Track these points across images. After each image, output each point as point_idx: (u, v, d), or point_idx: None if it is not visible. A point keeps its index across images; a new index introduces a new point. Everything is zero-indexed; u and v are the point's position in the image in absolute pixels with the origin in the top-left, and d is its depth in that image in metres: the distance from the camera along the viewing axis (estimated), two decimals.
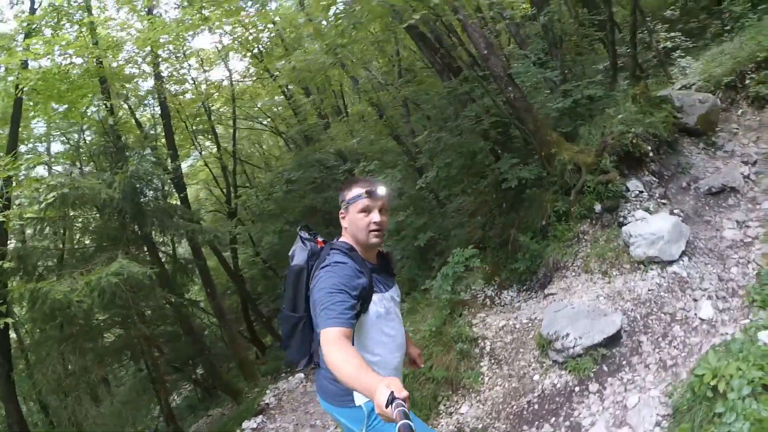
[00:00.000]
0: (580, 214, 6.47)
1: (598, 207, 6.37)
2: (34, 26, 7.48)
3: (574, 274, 6.08)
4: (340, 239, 2.25)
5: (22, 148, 9.25)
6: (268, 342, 12.77)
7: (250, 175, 14.14)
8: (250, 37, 9.58)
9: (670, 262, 5.43)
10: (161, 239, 9.24)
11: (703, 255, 5.47)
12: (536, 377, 4.80)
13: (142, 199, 8.19)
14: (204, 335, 10.54)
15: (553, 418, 4.28)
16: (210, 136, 12.03)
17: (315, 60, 7.72)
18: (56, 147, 10.92)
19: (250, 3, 7.54)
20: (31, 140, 9.99)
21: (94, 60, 7.80)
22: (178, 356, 10.13)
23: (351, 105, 11.99)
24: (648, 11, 9.37)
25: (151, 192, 8.66)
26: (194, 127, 11.20)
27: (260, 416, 7.70)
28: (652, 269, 5.47)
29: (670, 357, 4.40)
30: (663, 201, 6.27)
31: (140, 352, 8.76)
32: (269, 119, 12.73)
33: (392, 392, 1.37)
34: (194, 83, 10.66)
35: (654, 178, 6.50)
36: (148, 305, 8.49)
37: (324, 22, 8.14)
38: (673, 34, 8.13)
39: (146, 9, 8.78)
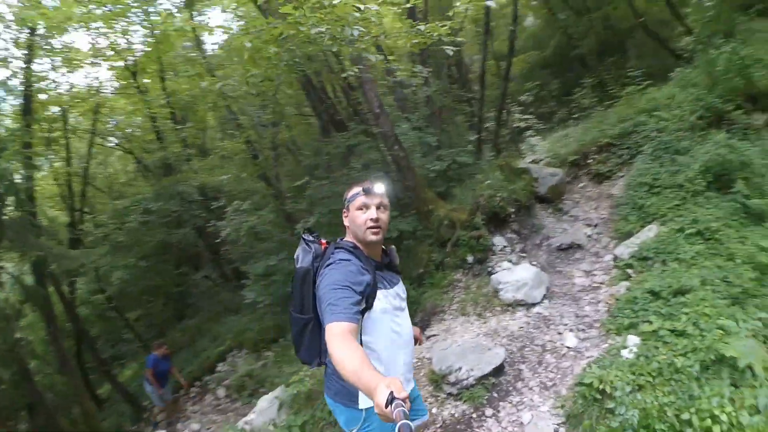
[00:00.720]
0: (454, 264, 6.97)
1: (470, 258, 6.96)
2: None
3: (451, 317, 6.39)
4: (344, 239, 2.26)
5: None
6: (104, 394, 10.53)
7: (92, 197, 12.21)
8: (124, 46, 8.80)
9: (534, 304, 6.10)
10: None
11: (561, 298, 6.21)
12: (434, 410, 4.80)
13: None
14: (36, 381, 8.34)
15: None
16: (60, 147, 10.20)
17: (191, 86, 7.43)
18: None
19: (136, 4, 7.06)
20: None
21: None
22: (4, 405, 7.85)
23: (212, 140, 11.54)
24: (507, 95, 11.14)
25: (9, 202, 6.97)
26: (47, 134, 9.49)
27: None
28: (519, 310, 6.06)
29: (548, 379, 4.77)
30: (523, 254, 7.10)
31: None
32: (124, 139, 11.38)
33: (392, 392, 1.37)
34: (56, 83, 9.17)
35: (515, 236, 7.37)
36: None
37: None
38: (526, 116, 9.72)
39: None
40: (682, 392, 3.50)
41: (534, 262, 6.89)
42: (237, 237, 7.83)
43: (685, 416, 3.09)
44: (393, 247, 2.45)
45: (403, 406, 1.34)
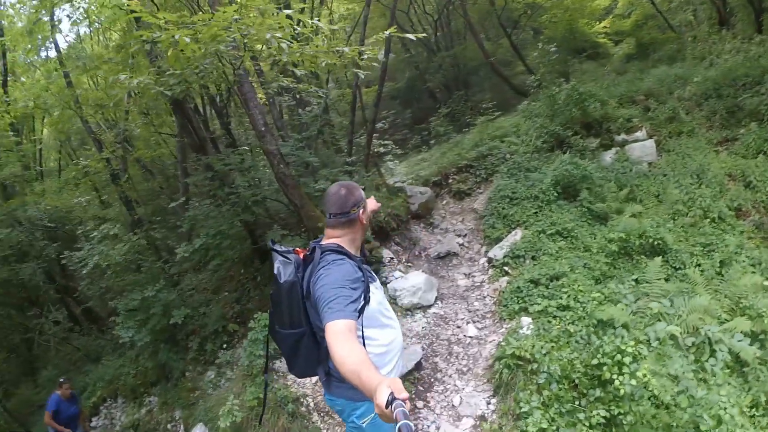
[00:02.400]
0: None
1: None
2: None
3: None
4: (324, 242, 2.28)
5: None
6: None
7: None
8: None
9: (430, 306, 6.86)
10: None
11: (451, 298, 7.08)
12: None
13: None
14: None
15: None
16: None
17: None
18: None
19: None
20: None
21: None
22: None
23: (47, 158, 9.91)
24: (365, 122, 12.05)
25: None
26: None
27: None
28: (417, 313, 6.75)
29: (462, 365, 5.50)
30: (409, 264, 7.88)
31: None
32: None
33: (392, 392, 1.41)
34: None
35: (399, 248, 8.13)
36: None
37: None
38: (386, 141, 10.65)
39: None
40: (582, 349, 4.50)
41: (419, 271, 7.69)
42: (101, 269, 6.98)
43: (594, 362, 4.00)
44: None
45: (403, 407, 1.36)
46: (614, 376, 3.68)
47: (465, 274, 7.63)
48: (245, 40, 4.76)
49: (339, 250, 2.18)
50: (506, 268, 6.81)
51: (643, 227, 5.56)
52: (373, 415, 1.95)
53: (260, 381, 5.36)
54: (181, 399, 6.55)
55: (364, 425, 2.24)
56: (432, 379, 5.43)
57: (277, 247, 2.27)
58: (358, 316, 1.98)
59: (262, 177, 7.68)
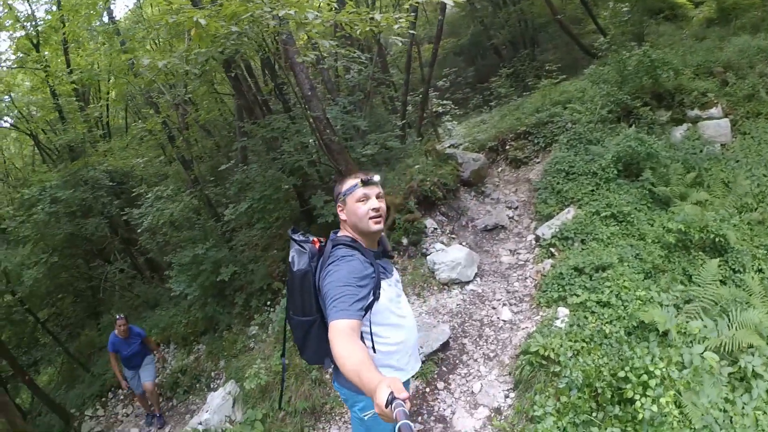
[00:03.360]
0: (391, 248, 7.27)
1: (405, 241, 7.29)
2: None
3: None
4: (339, 234, 2.25)
5: None
6: (24, 404, 9.28)
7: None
8: (24, 14, 7.56)
9: (468, 282, 6.61)
10: None
11: (491, 275, 6.80)
12: None
13: None
14: None
15: (419, 417, 4.59)
16: None
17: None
18: None
19: None
20: None
21: None
22: None
23: (114, 120, 10.48)
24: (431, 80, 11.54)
25: None
26: None
27: None
28: (455, 289, 6.54)
29: (490, 351, 5.28)
30: (452, 236, 7.59)
31: None
32: (22, 118, 9.86)
33: (392, 392, 1.39)
34: None
35: (444, 218, 7.84)
36: None
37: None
38: (444, 101, 10.17)
39: None
40: (614, 354, 4.13)
41: (463, 243, 7.40)
42: (157, 225, 7.38)
43: (621, 374, 3.65)
44: (383, 234, 2.48)
45: (403, 406, 1.35)
46: (637, 397, 3.34)
47: (510, 250, 7.27)
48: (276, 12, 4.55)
49: (350, 244, 2.16)
50: (552, 250, 6.38)
51: (705, 220, 4.89)
52: (373, 411, 2.03)
53: (288, 346, 5.50)
54: (225, 350, 6.93)
55: (366, 418, 2.24)
56: (457, 361, 5.29)
57: (295, 236, 2.27)
58: (364, 314, 1.98)
59: (309, 141, 7.59)
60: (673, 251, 5.06)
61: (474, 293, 6.46)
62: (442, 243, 7.30)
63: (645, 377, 3.40)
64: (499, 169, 9.13)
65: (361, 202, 2.19)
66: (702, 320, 3.70)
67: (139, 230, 7.67)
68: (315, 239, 2.28)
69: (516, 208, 8.03)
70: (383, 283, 2.18)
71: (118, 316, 6.51)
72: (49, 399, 7.86)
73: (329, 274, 2.03)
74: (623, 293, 4.73)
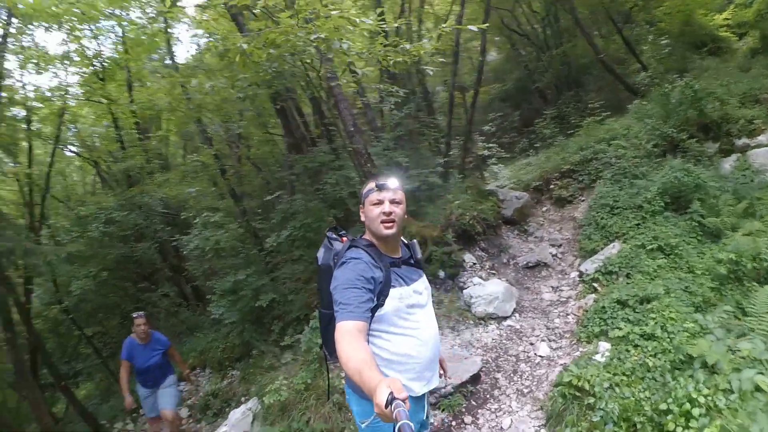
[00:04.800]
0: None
1: (441, 273, 7.09)
2: None
3: None
4: (362, 236, 2.29)
5: None
6: (59, 413, 9.56)
7: (46, 206, 11.39)
8: (92, 51, 8.44)
9: (505, 318, 6.28)
10: None
11: (530, 311, 6.43)
12: None
13: None
14: None
15: None
16: (21, 151, 9.49)
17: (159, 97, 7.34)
18: None
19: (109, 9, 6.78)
20: None
21: None
22: None
23: (172, 153, 11.14)
24: (472, 122, 11.59)
25: None
26: (5, 135, 8.86)
27: None
28: (491, 323, 6.22)
29: (524, 386, 4.90)
30: (492, 271, 7.31)
31: None
32: (85, 148, 10.85)
33: (392, 392, 1.37)
34: (21, 83, 8.62)
35: (484, 254, 7.60)
36: None
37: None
38: (490, 144, 10.13)
39: None
40: (656, 388, 3.71)
41: (503, 279, 7.11)
42: (203, 252, 7.61)
43: (662, 406, 3.25)
44: (415, 241, 2.47)
45: (402, 406, 1.33)
46: (679, 429, 2.94)
47: (552, 287, 6.89)
48: (314, 43, 4.78)
49: (363, 247, 2.16)
50: (595, 285, 5.99)
51: (758, 248, 4.43)
52: (371, 418, 1.96)
53: (313, 368, 5.35)
54: (257, 376, 6.86)
55: (362, 426, 2.20)
56: (487, 396, 4.93)
57: (330, 234, 2.33)
58: (369, 317, 1.95)
59: (352, 175, 7.73)
60: (725, 283, 4.59)
61: (511, 329, 6.11)
62: (481, 277, 7.05)
63: (688, 406, 3.01)
64: (544, 209, 8.84)
65: (375, 206, 2.19)
66: (752, 343, 3.26)
67: (184, 253, 7.92)
68: (344, 238, 2.30)
69: (560, 245, 7.68)
70: (392, 292, 2.13)
71: (136, 314, 5.41)
72: (82, 408, 7.98)
73: (337, 277, 2.05)
74: (669, 325, 4.31)
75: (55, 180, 11.57)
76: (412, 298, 2.22)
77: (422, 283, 2.33)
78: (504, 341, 5.87)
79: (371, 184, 2.23)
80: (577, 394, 3.87)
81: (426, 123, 10.61)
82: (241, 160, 9.45)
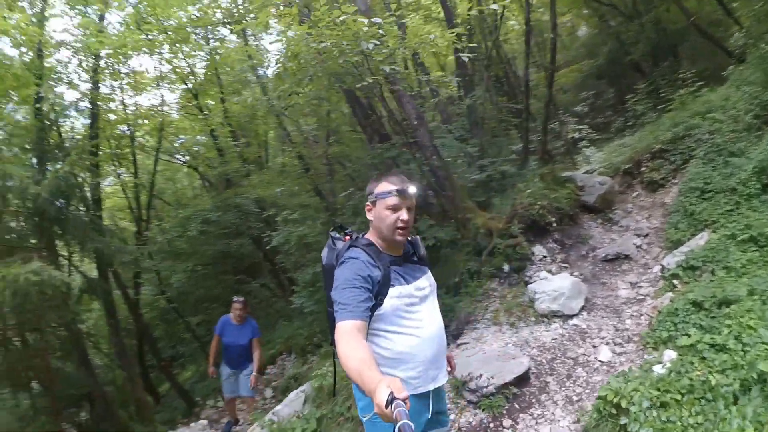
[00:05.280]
0: (489, 273, 6.58)
1: (506, 267, 6.53)
2: None
3: (484, 326, 6.01)
4: (364, 235, 2.20)
5: None
6: (163, 391, 11.04)
7: (160, 210, 12.95)
8: (186, 70, 9.30)
9: (571, 316, 5.58)
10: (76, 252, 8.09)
11: (601, 310, 5.64)
12: (452, 416, 4.48)
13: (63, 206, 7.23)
14: (97, 373, 8.91)
15: None
16: (128, 163, 11.04)
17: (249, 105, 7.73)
18: None
19: (197, 32, 7.38)
20: None
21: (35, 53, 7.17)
22: (69, 394, 8.37)
23: (273, 156, 11.75)
24: (561, 106, 10.49)
25: (74, 201, 7.70)
26: (115, 150, 10.33)
27: None
28: (555, 321, 5.57)
29: (575, 394, 4.30)
30: (564, 265, 6.55)
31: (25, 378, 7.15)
32: (190, 156, 12.24)
33: (392, 392, 1.33)
34: (123, 104, 9.98)
35: (556, 246, 6.83)
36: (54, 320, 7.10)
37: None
38: (580, 126, 9.08)
39: (98, 15, 8.34)
40: (713, 413, 2.98)
41: (576, 273, 6.34)
42: (287, 246, 7.93)
43: None
44: (418, 237, 2.34)
45: (403, 406, 1.29)
46: None
47: (631, 283, 5.98)
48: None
49: (362, 246, 2.08)
50: (675, 282, 5.05)
51: None
52: (372, 414, 1.95)
53: None
54: (326, 361, 6.99)
55: (364, 420, 2.12)
56: (533, 400, 4.42)
57: (332, 233, 2.28)
58: (369, 316, 1.91)
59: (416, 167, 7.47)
60: None
61: (576, 328, 5.42)
62: (550, 272, 6.36)
63: None
64: (634, 194, 7.70)
65: (391, 211, 2.07)
66: None
67: (267, 248, 8.33)
68: (347, 237, 2.22)
69: (646, 235, 6.64)
70: (392, 290, 2.04)
71: (235, 298, 5.67)
72: (180, 387, 8.85)
73: (336, 277, 1.99)
74: (746, 335, 3.44)
75: (165, 186, 13.02)
76: (414, 297, 2.11)
77: (426, 281, 2.21)
78: (564, 342, 5.23)
79: (389, 186, 2.09)
80: (614, 411, 3.27)
81: (508, 108, 9.88)
82: (328, 157, 9.70)
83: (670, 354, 3.97)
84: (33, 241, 7.27)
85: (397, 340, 2.07)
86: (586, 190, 7.62)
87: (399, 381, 1.39)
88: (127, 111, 9.89)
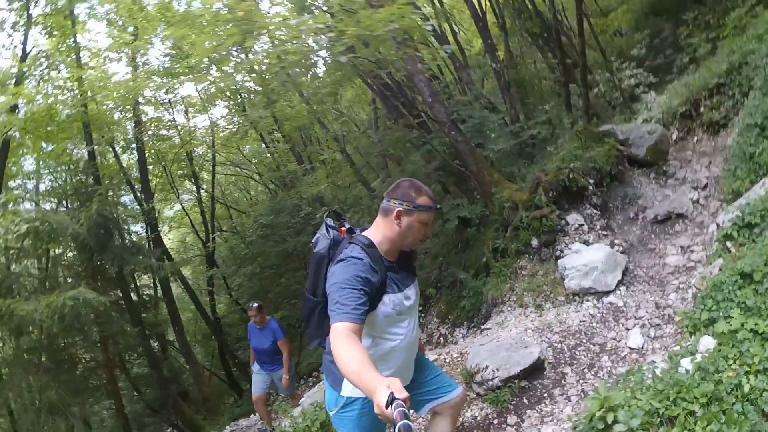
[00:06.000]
0: (517, 250, 5.71)
1: (535, 242, 5.58)
2: (24, 72, 7.60)
3: (509, 308, 5.24)
4: (364, 231, 2.04)
5: (12, 184, 9.14)
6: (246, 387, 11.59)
7: (236, 220, 13.44)
8: (233, 87, 9.31)
9: (606, 293, 4.61)
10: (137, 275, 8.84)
11: (643, 283, 4.59)
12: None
13: (109, 236, 7.87)
14: (176, 375, 9.64)
15: None
16: (192, 181, 11.57)
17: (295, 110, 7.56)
18: (46, 185, 10.49)
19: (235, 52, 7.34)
20: (21, 176, 9.82)
21: (81, 106, 7.72)
22: (155, 397, 9.15)
23: (325, 153, 11.58)
24: (615, 51, 8.89)
25: (117, 230, 8.34)
26: (178, 172, 10.85)
27: None
28: (587, 300, 4.65)
29: (592, 388, 3.46)
30: (605, 233, 5.44)
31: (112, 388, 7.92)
32: (253, 165, 12.40)
33: (392, 392, 1.27)
34: (178, 129, 10.41)
35: (596, 211, 5.70)
36: (110, 332, 7.85)
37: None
38: (635, 71, 7.58)
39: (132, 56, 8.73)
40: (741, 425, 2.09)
41: (618, 241, 5.23)
42: None
43: None
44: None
45: (403, 407, 1.24)
46: None
47: (681, 247, 4.82)
48: None
49: (366, 247, 1.92)
50: (729, 244, 3.87)
51: None
52: (337, 409, 2.07)
53: None
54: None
55: (331, 414, 2.14)
56: (545, 394, 3.64)
57: (328, 220, 2.11)
58: (364, 319, 1.78)
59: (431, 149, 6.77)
60: None
61: (611, 307, 4.46)
62: (585, 242, 5.31)
63: None
64: (695, 139, 6.23)
65: (424, 225, 1.98)
66: None
67: (310, 245, 8.12)
68: (344, 229, 2.05)
69: (704, 187, 5.33)
70: (385, 297, 1.93)
71: (250, 305, 5.48)
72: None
73: (335, 274, 1.84)
74: None
75: (239, 195, 13.42)
76: (404, 304, 2.02)
77: (413, 289, 2.11)
78: (594, 324, 4.31)
79: (430, 203, 1.98)
80: (599, 425, 2.47)
81: (549, 65, 8.62)
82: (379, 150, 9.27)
83: (707, 342, 2.98)
84: (79, 270, 7.92)
85: (379, 344, 2.00)
86: (633, 143, 6.31)
87: (399, 381, 1.32)
88: (184, 135, 10.27)
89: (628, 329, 4.00)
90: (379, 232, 1.98)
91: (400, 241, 1.97)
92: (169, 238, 14.11)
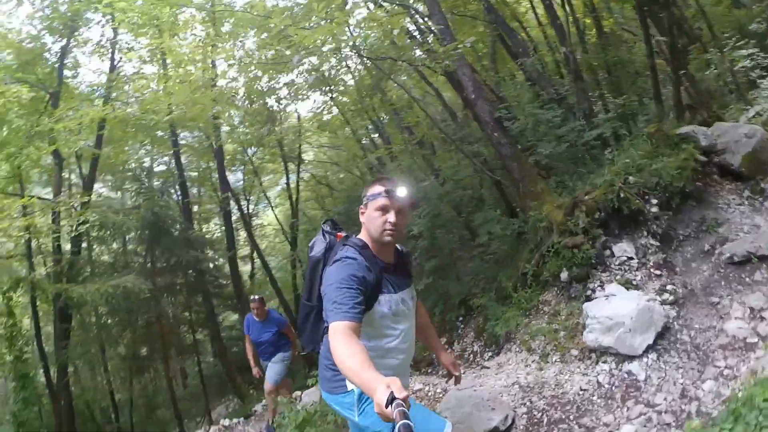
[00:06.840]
0: (544, 281, 4.59)
1: (564, 275, 4.39)
2: (113, 83, 8.49)
3: (516, 350, 4.31)
4: (357, 235, 1.99)
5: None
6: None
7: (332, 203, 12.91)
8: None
9: (630, 357, 3.44)
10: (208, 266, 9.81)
11: (683, 353, 3.28)
12: None
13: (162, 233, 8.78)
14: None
15: None
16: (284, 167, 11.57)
17: None
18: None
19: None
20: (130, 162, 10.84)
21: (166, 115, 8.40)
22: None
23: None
24: (730, 28, 6.50)
25: (170, 224, 9.16)
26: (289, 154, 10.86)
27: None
28: (603, 362, 3.53)
29: None
30: (658, 272, 4.03)
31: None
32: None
33: (392, 392, 1.21)
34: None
35: (653, 241, 4.25)
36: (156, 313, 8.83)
37: None
38: (751, 50, 5.38)
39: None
40: None
41: (670, 287, 3.81)
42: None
43: None
44: (408, 251, 2.18)
45: (403, 406, 1.17)
46: None
47: (752, 309, 3.33)
48: None
49: (358, 248, 1.87)
50: None
51: None
52: (357, 406, 1.91)
53: None
54: None
55: (357, 419, 1.96)
56: None
57: (324, 226, 2.11)
58: (362, 318, 1.72)
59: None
60: None
61: (627, 379, 3.32)
62: (628, 283, 3.99)
63: None
64: None
65: (380, 213, 1.84)
66: None
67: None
68: (340, 234, 2.02)
69: None
70: (381, 297, 1.85)
71: (252, 297, 5.24)
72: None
73: (330, 274, 1.79)
74: None
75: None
76: (400, 306, 1.92)
77: (409, 293, 2.01)
78: (595, 398, 3.24)
79: (378, 188, 1.86)
80: None
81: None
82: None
83: None
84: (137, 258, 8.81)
85: (376, 345, 1.86)
86: (727, 148, 4.54)
87: (398, 381, 1.25)
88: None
89: (630, 418, 2.85)
90: (363, 233, 1.91)
91: (373, 234, 1.85)
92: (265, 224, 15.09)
